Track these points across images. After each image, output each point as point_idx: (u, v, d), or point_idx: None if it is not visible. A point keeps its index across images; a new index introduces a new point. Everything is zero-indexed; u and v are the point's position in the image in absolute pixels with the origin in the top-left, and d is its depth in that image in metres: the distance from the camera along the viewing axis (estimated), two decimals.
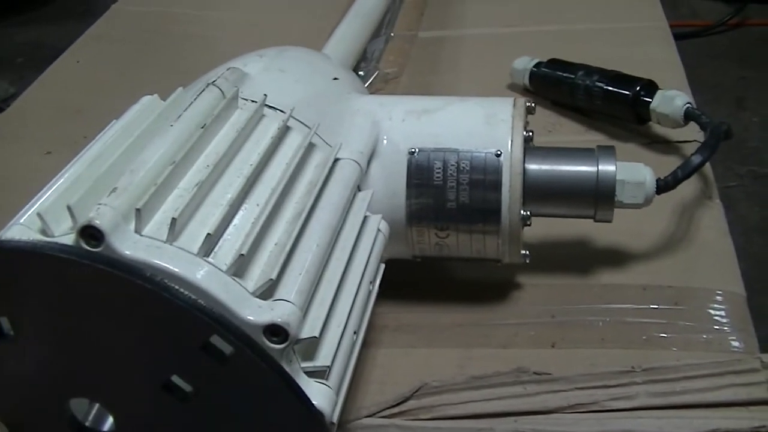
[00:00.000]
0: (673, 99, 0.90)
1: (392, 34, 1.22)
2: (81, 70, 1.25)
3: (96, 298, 0.49)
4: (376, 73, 1.10)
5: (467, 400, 0.68)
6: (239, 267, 0.53)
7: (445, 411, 0.68)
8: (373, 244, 0.65)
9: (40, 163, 1.02)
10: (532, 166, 0.71)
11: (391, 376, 0.71)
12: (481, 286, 0.79)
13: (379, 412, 0.68)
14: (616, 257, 0.81)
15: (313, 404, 0.49)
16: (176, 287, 0.48)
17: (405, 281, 0.73)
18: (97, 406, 0.56)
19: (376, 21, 1.12)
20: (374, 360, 0.72)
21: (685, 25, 1.13)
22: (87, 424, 0.54)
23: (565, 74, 1.01)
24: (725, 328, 0.73)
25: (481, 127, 0.71)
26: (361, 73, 1.09)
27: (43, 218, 0.53)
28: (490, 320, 0.76)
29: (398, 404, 0.68)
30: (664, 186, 0.75)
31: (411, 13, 1.29)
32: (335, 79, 0.76)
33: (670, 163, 0.82)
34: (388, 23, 1.23)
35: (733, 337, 0.72)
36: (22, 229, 0.54)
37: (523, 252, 0.73)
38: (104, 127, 0.64)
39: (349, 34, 1.01)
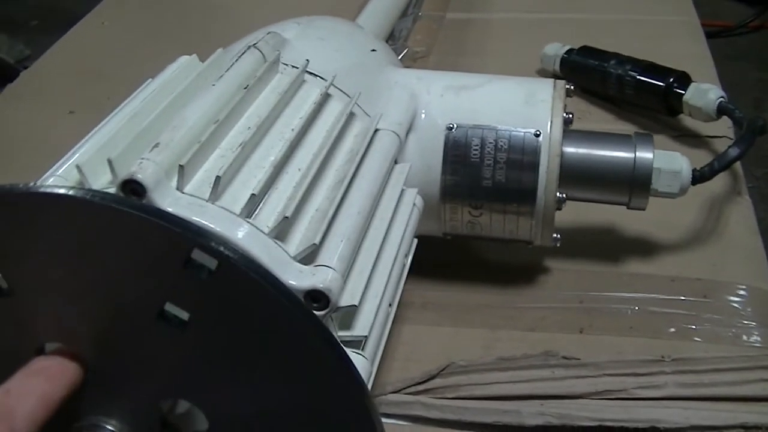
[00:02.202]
0: (706, 92, 0.89)
1: (420, 14, 1.21)
2: (105, 33, 1.24)
3: (139, 252, 0.47)
4: (405, 51, 1.09)
5: (494, 381, 0.67)
6: (281, 230, 0.53)
7: (471, 391, 0.67)
8: (409, 217, 0.65)
9: (63, 122, 1.02)
10: (570, 149, 0.71)
11: (416, 353, 0.71)
12: (509, 268, 0.78)
13: (404, 388, 0.67)
14: (644, 247, 0.80)
15: (358, 374, 0.48)
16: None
17: (432, 259, 0.72)
18: None
19: None
20: (399, 336, 0.71)
21: (706, 24, 1.12)
22: None
23: (597, 62, 1.00)
24: (752, 322, 0.72)
25: (520, 106, 0.70)
26: None
27: (81, 171, 0.52)
28: (517, 302, 0.75)
29: (424, 382, 0.68)
30: (699, 177, 0.74)
31: None
32: (373, 50, 0.76)
33: (698, 157, 0.82)
34: (415, 3, 1.22)
35: (759, 333, 0.72)
36: (59, 180, 0.54)
37: (555, 235, 0.72)
38: (128, 89, 0.63)
39: (380, 8, 1.00)
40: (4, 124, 1.03)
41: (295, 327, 0.46)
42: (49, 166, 0.56)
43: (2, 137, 1.00)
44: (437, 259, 0.76)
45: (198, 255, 0.45)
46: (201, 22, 1.26)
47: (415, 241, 0.67)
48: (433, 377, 0.68)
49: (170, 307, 0.47)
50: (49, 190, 0.46)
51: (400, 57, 1.08)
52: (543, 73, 1.06)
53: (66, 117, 1.03)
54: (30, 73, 1.16)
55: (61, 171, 0.55)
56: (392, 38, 1.11)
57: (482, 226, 0.71)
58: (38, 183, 0.53)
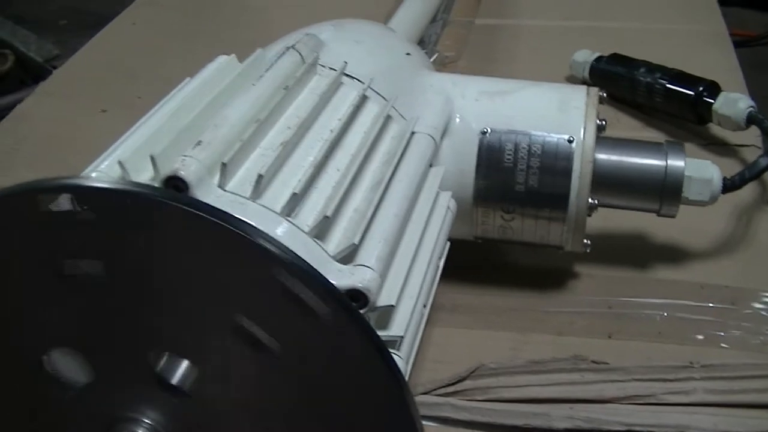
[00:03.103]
0: (736, 101, 0.90)
1: (449, 19, 1.22)
2: (136, 33, 1.25)
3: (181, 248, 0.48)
4: (435, 56, 1.10)
5: (523, 384, 0.68)
6: (321, 230, 0.53)
7: (500, 393, 0.67)
8: (443, 220, 0.65)
9: (95, 121, 1.02)
10: (602, 156, 0.71)
11: (447, 355, 0.71)
12: (538, 272, 0.79)
13: (434, 389, 0.68)
14: (673, 253, 0.81)
15: (399, 372, 0.49)
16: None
17: (462, 263, 0.73)
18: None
19: (437, 3, 1.12)
20: (430, 338, 0.72)
21: (732, 34, 1.13)
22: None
23: (626, 70, 1.00)
24: None
25: (554, 112, 0.71)
26: None
27: (123, 166, 0.53)
28: (546, 306, 0.76)
29: (454, 383, 0.68)
30: (730, 185, 0.75)
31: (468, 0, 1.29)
32: (407, 54, 0.76)
33: (727, 166, 0.82)
34: (444, 8, 1.22)
35: None
36: (102, 176, 0.54)
37: (585, 241, 0.73)
38: (159, 88, 0.64)
39: (412, 12, 1.01)
40: (38, 121, 1.04)
41: (340, 327, 0.47)
42: (84, 162, 0.57)
43: (35, 134, 1.01)
44: (468, 262, 0.77)
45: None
46: (230, 22, 1.27)
47: (448, 244, 0.68)
48: (462, 379, 0.68)
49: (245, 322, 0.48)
50: (99, 184, 0.47)
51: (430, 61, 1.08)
52: (572, 80, 1.06)
53: (98, 115, 1.04)
54: (62, 72, 1.17)
55: (103, 166, 0.55)
56: (422, 43, 1.11)
57: (514, 230, 0.72)
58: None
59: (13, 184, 0.47)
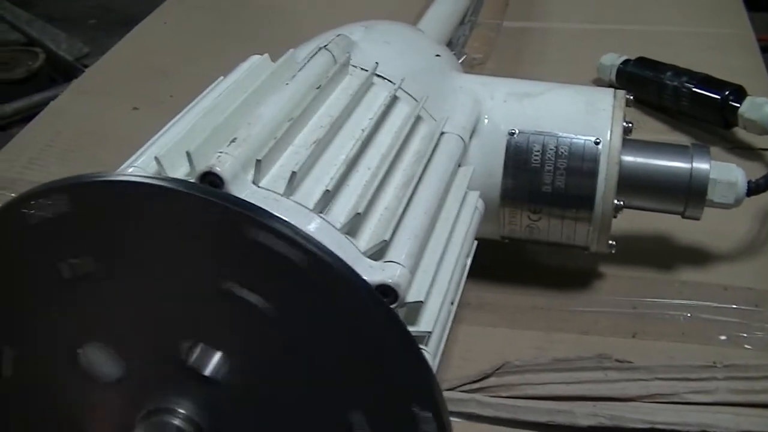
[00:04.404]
0: (762, 106, 0.91)
1: (477, 22, 1.22)
2: (167, 32, 1.26)
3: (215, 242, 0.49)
4: (463, 58, 1.11)
5: (548, 382, 0.69)
6: (352, 226, 0.54)
7: (525, 390, 0.68)
8: (471, 219, 0.66)
9: (127, 118, 1.04)
10: (628, 158, 0.72)
11: (472, 352, 0.72)
12: (563, 272, 0.80)
13: (460, 386, 0.69)
14: (697, 255, 0.81)
15: (430, 368, 0.49)
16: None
17: (488, 262, 0.74)
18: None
19: (466, 4, 1.13)
20: (456, 335, 0.73)
21: (759, 39, 1.13)
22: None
23: (653, 73, 1.01)
24: None
25: (581, 114, 0.72)
26: None
27: (160, 162, 0.54)
28: (571, 306, 0.77)
29: (479, 380, 0.69)
30: (755, 188, 0.75)
31: (496, 2, 1.29)
32: (437, 55, 0.77)
33: (752, 170, 0.82)
34: (473, 11, 1.23)
35: None
36: (138, 172, 0.56)
37: (611, 242, 0.74)
38: (190, 87, 0.66)
39: (441, 14, 1.02)
40: (71, 118, 1.05)
41: (373, 321, 0.48)
42: (116, 158, 0.58)
43: (68, 131, 1.03)
44: (494, 261, 0.77)
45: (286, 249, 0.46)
46: (260, 22, 1.28)
47: (475, 243, 0.69)
48: (488, 376, 0.69)
49: (249, 295, 0.48)
50: (157, 181, 0.48)
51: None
52: (599, 83, 1.07)
53: (130, 113, 1.05)
54: (95, 70, 1.19)
55: (139, 162, 0.57)
56: (450, 45, 1.12)
57: (540, 230, 0.73)
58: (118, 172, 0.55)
59: (52, 179, 0.49)
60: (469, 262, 0.67)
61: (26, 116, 1.09)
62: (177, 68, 1.14)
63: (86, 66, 1.25)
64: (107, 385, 0.54)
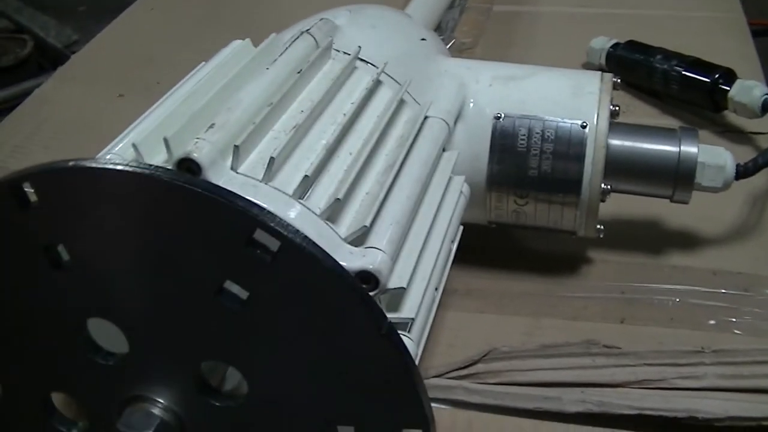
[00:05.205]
0: (752, 89, 0.90)
1: (467, 5, 1.22)
2: (154, 18, 1.26)
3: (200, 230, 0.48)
4: (452, 42, 1.10)
5: (536, 368, 0.68)
6: (333, 212, 0.54)
7: (512, 377, 0.68)
8: (456, 204, 0.66)
9: (112, 105, 1.03)
10: (615, 141, 0.71)
11: (460, 339, 0.71)
12: (552, 257, 0.79)
13: (447, 372, 0.68)
14: (686, 240, 0.81)
15: (410, 355, 0.49)
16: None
17: (476, 247, 0.73)
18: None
19: None
20: (443, 322, 0.72)
21: (754, 23, 1.12)
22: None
23: (642, 57, 1.00)
24: None
25: (567, 97, 0.71)
26: None
27: (137, 149, 0.54)
28: (559, 292, 0.76)
29: (466, 367, 0.68)
30: (743, 172, 0.75)
31: None
32: (423, 39, 0.77)
33: (742, 153, 0.82)
34: None
35: None
36: (116, 158, 0.55)
37: (598, 226, 0.73)
38: (177, 74, 0.65)
39: None
40: (56, 105, 1.05)
41: (350, 307, 0.47)
42: (100, 146, 0.57)
43: (54, 118, 1.02)
44: (482, 247, 0.77)
45: (260, 235, 0.46)
46: (248, 7, 1.27)
47: (461, 228, 0.68)
48: (475, 362, 0.68)
49: (229, 285, 0.48)
50: (112, 165, 0.47)
51: (446, 48, 1.08)
52: (588, 67, 1.06)
53: (115, 100, 1.05)
54: (81, 57, 1.18)
55: (117, 149, 0.56)
56: (439, 29, 1.11)
57: (527, 215, 0.72)
58: (98, 158, 0.54)
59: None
60: (454, 247, 0.66)
61: (14, 105, 1.08)
62: (163, 55, 1.13)
63: (75, 53, 1.24)
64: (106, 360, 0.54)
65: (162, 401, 0.53)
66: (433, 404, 0.63)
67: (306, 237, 0.46)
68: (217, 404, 0.52)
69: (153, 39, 1.19)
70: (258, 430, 0.53)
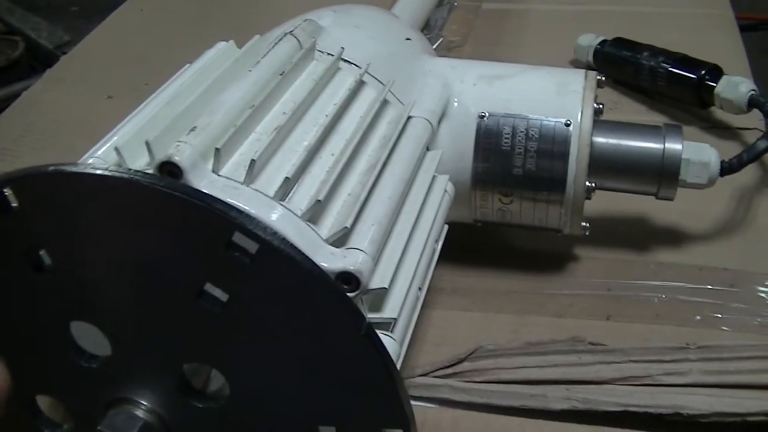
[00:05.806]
0: (737, 85, 0.90)
1: (455, 4, 1.22)
2: (144, 19, 1.26)
3: (179, 233, 0.48)
4: (440, 40, 1.10)
5: (521, 366, 0.68)
6: (314, 213, 0.54)
7: (498, 375, 0.68)
8: (440, 203, 0.66)
9: (101, 107, 1.03)
10: (600, 139, 0.72)
11: (446, 337, 0.72)
12: (538, 255, 0.79)
13: (433, 371, 0.68)
14: (673, 236, 0.81)
15: (389, 356, 0.49)
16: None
17: (462, 246, 0.73)
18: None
19: None
20: (429, 321, 0.72)
21: (744, 18, 1.12)
22: None
23: (629, 53, 1.00)
24: None
25: (552, 96, 0.71)
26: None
27: (120, 153, 0.54)
28: (545, 289, 0.76)
29: (452, 365, 0.69)
30: (728, 168, 0.75)
31: None
32: (408, 39, 0.77)
33: (729, 149, 0.82)
34: None
35: None
36: (99, 162, 0.55)
37: (584, 224, 0.73)
38: (166, 75, 0.65)
39: None
40: (45, 107, 1.05)
41: (329, 308, 0.48)
42: (89, 148, 0.57)
43: (42, 120, 1.02)
44: (467, 245, 0.77)
45: (239, 238, 0.46)
46: (238, 8, 1.27)
47: (446, 227, 0.68)
48: (461, 361, 0.69)
49: (210, 288, 0.48)
50: (92, 170, 0.47)
51: (435, 46, 1.08)
52: (576, 64, 1.07)
53: (104, 101, 1.05)
54: (70, 58, 1.18)
55: (100, 152, 0.56)
56: (428, 28, 1.12)
57: (512, 213, 0.73)
58: (78, 163, 0.54)
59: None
60: (439, 246, 0.66)
61: (5, 107, 1.08)
62: (153, 56, 1.13)
63: (66, 54, 1.24)
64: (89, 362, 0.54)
65: (145, 403, 0.53)
66: (419, 403, 0.64)
67: (284, 239, 0.46)
68: (200, 405, 0.53)
69: (142, 40, 1.19)
70: (241, 431, 0.53)
